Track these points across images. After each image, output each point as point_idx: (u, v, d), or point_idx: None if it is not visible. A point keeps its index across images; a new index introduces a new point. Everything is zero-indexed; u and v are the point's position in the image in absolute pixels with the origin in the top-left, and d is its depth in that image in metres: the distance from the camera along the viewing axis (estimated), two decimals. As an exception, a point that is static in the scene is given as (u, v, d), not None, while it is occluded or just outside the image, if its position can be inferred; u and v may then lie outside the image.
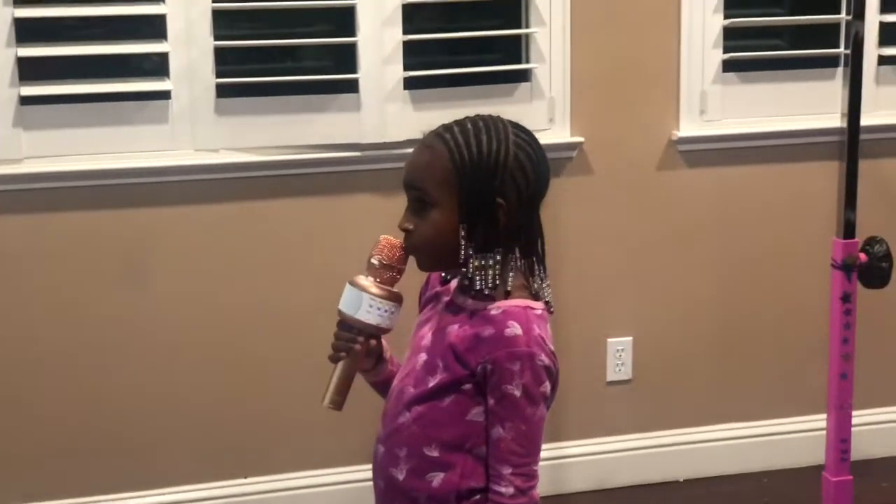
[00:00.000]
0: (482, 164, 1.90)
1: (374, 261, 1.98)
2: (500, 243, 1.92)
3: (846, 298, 3.03)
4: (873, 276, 3.05)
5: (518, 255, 1.96)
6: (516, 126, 1.96)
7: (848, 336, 3.05)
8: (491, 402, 1.90)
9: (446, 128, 1.95)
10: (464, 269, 1.93)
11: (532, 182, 1.93)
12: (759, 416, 3.81)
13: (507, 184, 1.91)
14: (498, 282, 1.92)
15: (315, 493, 3.50)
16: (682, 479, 3.77)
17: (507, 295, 1.92)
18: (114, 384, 3.35)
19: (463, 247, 1.91)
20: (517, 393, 1.88)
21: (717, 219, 3.69)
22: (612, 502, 3.66)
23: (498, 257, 1.92)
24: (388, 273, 1.97)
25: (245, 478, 3.48)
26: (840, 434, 3.09)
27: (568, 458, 3.66)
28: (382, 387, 2.09)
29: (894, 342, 3.86)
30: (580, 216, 3.58)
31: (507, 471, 1.90)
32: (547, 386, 1.90)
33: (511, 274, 1.93)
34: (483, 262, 1.92)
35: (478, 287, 1.92)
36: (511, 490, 1.90)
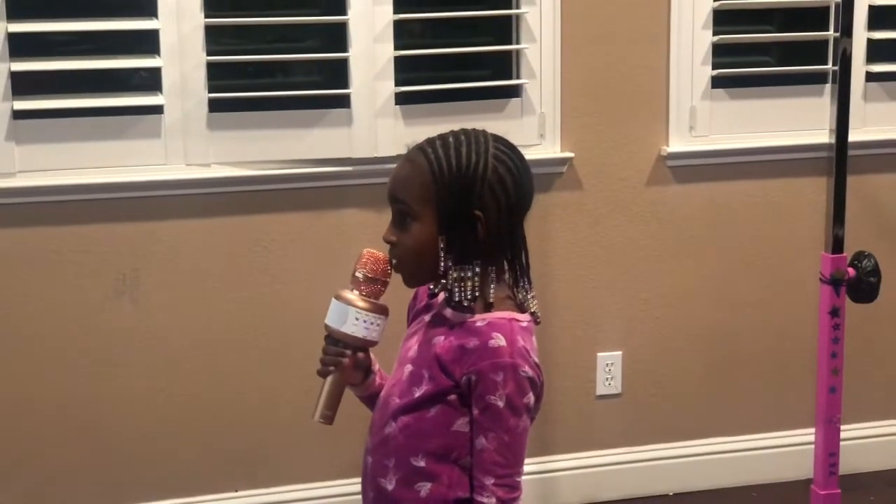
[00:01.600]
0: (460, 177, 1.92)
1: (358, 274, 2.00)
2: (480, 255, 1.94)
3: (835, 313, 3.05)
4: (862, 290, 3.06)
5: (505, 267, 1.98)
6: (498, 140, 1.98)
7: (836, 350, 3.07)
8: (475, 412, 1.91)
9: (429, 141, 1.97)
10: (443, 281, 1.95)
11: (512, 195, 1.94)
12: (748, 430, 3.83)
13: (485, 196, 1.92)
14: (478, 293, 1.94)
15: (305, 507, 3.52)
16: (671, 494, 3.78)
17: (489, 307, 1.94)
18: (105, 398, 3.35)
19: (442, 258, 1.93)
20: (500, 404, 1.89)
21: (705, 234, 3.70)
22: (602, 516, 3.67)
23: (477, 269, 1.94)
24: (373, 286, 1.99)
25: (235, 491, 3.49)
26: (828, 448, 3.10)
27: (557, 471, 3.67)
28: (371, 401, 2.10)
29: (882, 357, 3.88)
30: (570, 231, 3.60)
31: (489, 481, 1.91)
32: (530, 397, 1.91)
33: (492, 286, 1.95)
34: (462, 274, 1.94)
35: (457, 298, 1.94)
36: (493, 501, 1.90)
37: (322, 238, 3.43)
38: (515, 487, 1.92)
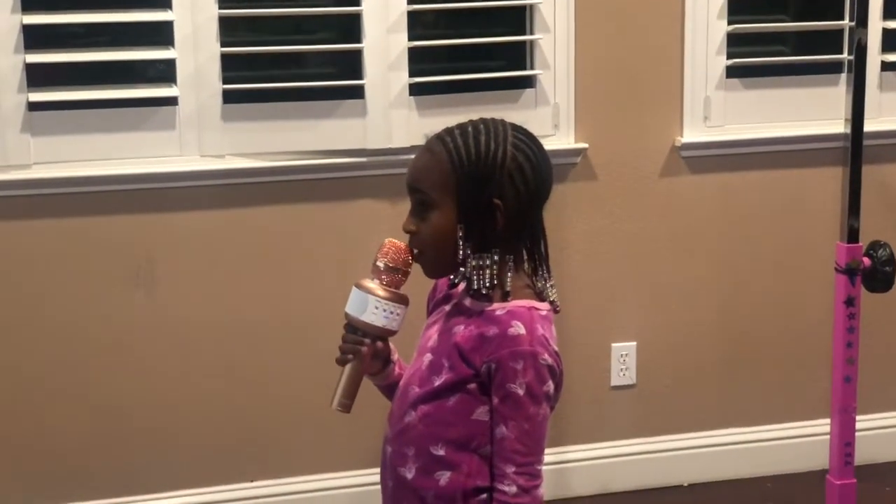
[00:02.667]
0: (479, 165, 1.92)
1: (379, 263, 2.00)
2: (498, 244, 1.94)
3: (850, 302, 3.04)
4: (877, 280, 3.05)
5: (524, 255, 1.98)
6: (517, 129, 1.98)
7: (852, 340, 3.06)
8: (495, 401, 1.92)
9: (448, 131, 1.97)
10: (461, 269, 1.95)
11: (531, 184, 1.95)
12: (764, 420, 3.83)
13: (504, 185, 1.93)
14: (496, 281, 1.94)
15: (321, 497, 3.52)
16: (686, 484, 3.78)
17: (507, 295, 1.94)
18: (121, 388, 3.37)
19: (461, 247, 1.93)
20: (520, 392, 1.89)
21: (720, 224, 3.70)
22: (617, 507, 3.68)
23: (496, 257, 1.94)
24: (394, 275, 1.99)
25: (251, 481, 3.49)
26: (844, 438, 3.09)
27: (572, 462, 3.67)
28: (390, 390, 2.10)
29: (897, 347, 3.88)
30: (584, 222, 3.60)
31: (510, 469, 1.91)
32: (550, 385, 1.92)
33: (509, 274, 1.95)
34: (480, 262, 1.94)
35: (475, 286, 1.94)
36: (514, 489, 1.91)
37: (336, 229, 3.43)
38: (536, 476, 1.92)
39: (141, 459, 3.40)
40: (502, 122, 1.98)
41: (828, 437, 3.17)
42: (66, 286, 3.30)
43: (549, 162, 2.00)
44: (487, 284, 1.94)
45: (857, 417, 3.13)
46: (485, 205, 1.92)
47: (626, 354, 3.71)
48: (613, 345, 3.70)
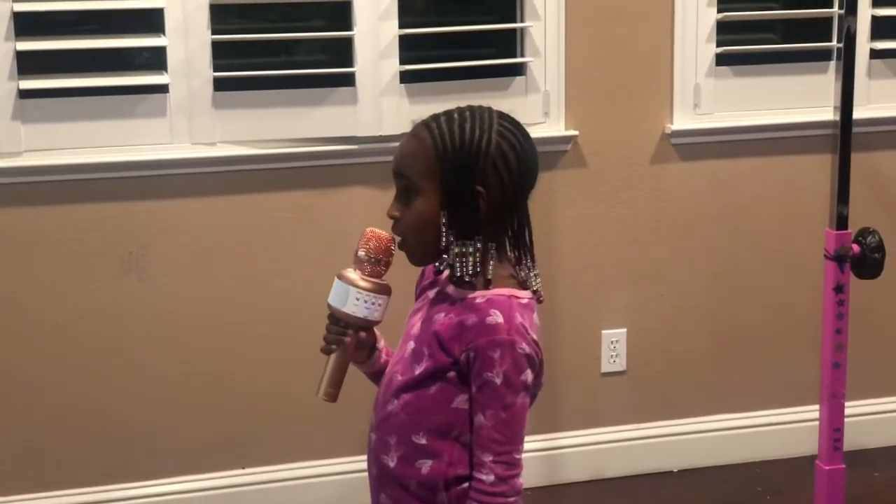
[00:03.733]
0: (463, 153, 1.93)
1: (360, 253, 2.00)
2: (481, 231, 1.94)
3: (839, 289, 3.05)
4: (866, 266, 3.06)
5: (507, 244, 1.98)
6: (503, 117, 1.98)
7: (841, 326, 3.07)
8: (473, 389, 1.92)
9: (434, 117, 1.98)
10: (444, 256, 1.96)
11: (515, 172, 1.95)
12: (753, 406, 3.84)
13: (488, 172, 1.93)
14: (479, 269, 1.94)
15: (312, 484, 3.53)
16: (675, 470, 3.80)
17: (489, 283, 1.95)
18: (111, 376, 3.37)
19: (444, 234, 1.94)
20: (497, 381, 1.89)
21: (710, 211, 3.71)
22: (606, 493, 3.68)
23: (478, 245, 1.94)
24: (376, 265, 1.99)
25: (242, 468, 3.51)
26: (833, 423, 3.10)
27: (562, 448, 3.68)
28: (378, 377, 2.11)
29: (887, 334, 3.89)
30: (574, 209, 3.61)
31: (487, 458, 1.91)
32: (528, 374, 1.92)
33: (491, 262, 1.95)
34: (463, 250, 1.94)
35: (458, 273, 1.95)
36: (492, 478, 1.91)
37: (327, 216, 3.44)
38: (514, 465, 1.92)
39: (131, 447, 3.41)
40: (489, 109, 1.98)
41: (817, 422, 3.18)
42: (57, 274, 3.30)
43: (535, 150, 2.00)
44: (470, 272, 1.94)
45: (846, 403, 3.14)
46: (468, 192, 1.93)
47: (617, 341, 3.72)
48: (603, 332, 3.71)
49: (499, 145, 1.94)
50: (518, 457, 1.93)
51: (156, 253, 3.36)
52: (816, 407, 3.20)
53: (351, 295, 1.98)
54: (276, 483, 3.51)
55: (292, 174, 3.41)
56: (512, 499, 1.92)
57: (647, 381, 3.76)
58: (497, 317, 1.90)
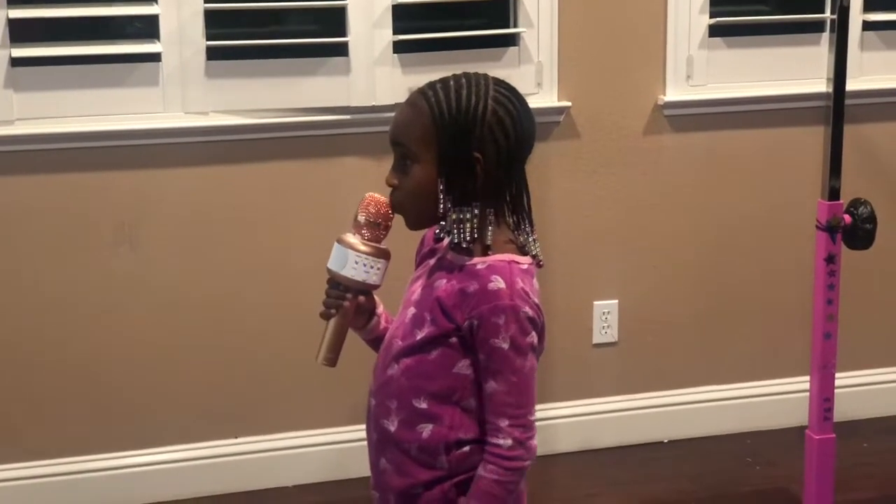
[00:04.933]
0: (459, 119, 1.93)
1: (360, 218, 2.01)
2: (479, 198, 1.95)
3: (830, 259, 3.07)
4: (857, 237, 3.08)
5: (506, 210, 1.98)
6: (500, 83, 1.98)
7: (832, 297, 3.09)
8: (481, 357, 1.93)
9: (430, 85, 1.98)
10: (442, 223, 1.96)
11: (512, 138, 1.95)
12: (744, 377, 3.86)
13: (485, 138, 1.93)
14: (476, 235, 1.95)
15: (305, 453, 3.54)
16: (666, 441, 3.82)
17: (487, 249, 1.95)
18: (104, 345, 3.37)
19: (441, 200, 1.94)
20: (504, 346, 1.91)
21: (702, 183, 3.72)
22: (598, 463, 3.70)
23: (475, 211, 1.95)
24: (375, 230, 2.00)
25: (235, 437, 3.51)
26: (823, 393, 3.13)
27: (554, 419, 3.69)
28: (377, 343, 2.11)
29: (878, 304, 3.91)
30: (567, 180, 3.61)
31: (503, 423, 1.92)
32: (534, 336, 1.93)
33: (490, 228, 1.96)
34: (460, 216, 1.94)
35: (456, 240, 1.95)
36: (509, 441, 1.92)
37: (320, 186, 3.44)
38: (530, 427, 1.93)
39: (125, 416, 3.42)
40: (485, 76, 1.98)
41: (807, 393, 3.21)
42: (49, 242, 3.30)
43: (531, 116, 2.00)
44: (468, 238, 1.95)
45: (837, 375, 3.16)
46: (465, 158, 1.93)
47: (608, 312, 3.73)
48: (595, 303, 3.72)
49: (495, 111, 1.94)
50: (532, 419, 1.94)
51: (148, 223, 3.35)
52: (807, 378, 3.22)
53: (350, 258, 1.98)
54: (270, 452, 3.52)
55: (285, 144, 3.41)
56: (528, 462, 1.94)
57: (639, 353, 3.77)
58: (499, 282, 1.91)
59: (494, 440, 1.93)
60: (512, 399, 1.92)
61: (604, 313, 3.73)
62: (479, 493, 1.94)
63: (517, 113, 1.96)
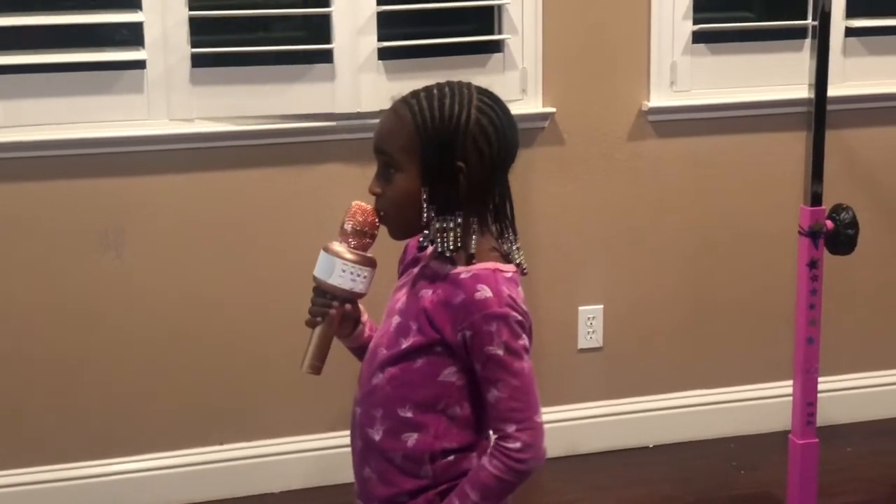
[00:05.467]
0: (442, 128, 1.93)
1: (346, 226, 2.01)
2: (462, 206, 1.95)
3: (813, 265, 3.08)
4: (840, 242, 3.09)
5: (489, 218, 1.99)
6: (483, 92, 1.98)
7: (814, 302, 3.10)
8: (478, 367, 1.93)
9: (413, 93, 1.98)
10: (426, 232, 1.97)
11: (495, 147, 1.95)
12: (728, 382, 3.87)
13: (468, 148, 1.93)
14: (460, 244, 1.95)
15: (291, 460, 3.54)
16: (651, 445, 3.83)
17: (471, 258, 1.96)
18: (89, 352, 3.37)
19: (425, 209, 1.95)
20: (500, 352, 1.91)
21: (686, 188, 3.73)
22: (583, 468, 3.71)
23: (459, 220, 1.95)
24: (361, 238, 2.00)
25: (221, 444, 3.51)
26: (806, 397, 3.14)
27: (540, 424, 3.70)
28: (361, 352, 2.12)
29: (860, 310, 3.92)
30: (552, 185, 3.62)
31: (511, 429, 1.93)
32: (525, 339, 1.94)
33: (473, 237, 1.96)
34: (444, 225, 1.95)
35: (439, 249, 1.96)
36: (518, 444, 1.92)
37: (305, 193, 3.44)
38: (537, 429, 1.94)
39: (109, 424, 3.41)
40: (468, 84, 1.99)
41: (790, 398, 3.22)
42: (34, 250, 3.30)
43: (515, 125, 2.00)
44: (451, 247, 1.95)
45: (820, 379, 3.17)
46: (448, 167, 1.93)
47: (593, 317, 3.74)
48: (580, 308, 3.73)
49: (478, 120, 1.94)
50: (539, 420, 1.95)
51: (134, 230, 3.35)
52: (790, 382, 3.23)
53: (337, 267, 1.99)
54: (255, 459, 3.52)
55: (270, 151, 3.41)
56: (534, 466, 1.94)
57: (624, 358, 3.78)
58: (485, 291, 1.92)
59: (504, 444, 1.93)
60: (516, 403, 1.93)
61: (589, 318, 3.74)
62: (478, 483, 1.94)
63: (500, 122, 1.96)
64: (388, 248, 2.08)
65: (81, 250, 3.32)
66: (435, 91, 1.97)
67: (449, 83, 1.99)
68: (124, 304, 3.37)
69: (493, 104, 1.97)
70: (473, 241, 1.96)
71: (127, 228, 3.35)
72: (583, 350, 3.75)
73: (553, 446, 3.64)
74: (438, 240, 1.95)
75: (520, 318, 1.93)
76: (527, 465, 1.93)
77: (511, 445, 1.92)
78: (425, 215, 1.95)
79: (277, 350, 3.40)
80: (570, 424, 3.75)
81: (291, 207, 3.44)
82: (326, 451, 3.51)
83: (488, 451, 1.95)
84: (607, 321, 3.74)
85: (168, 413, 3.45)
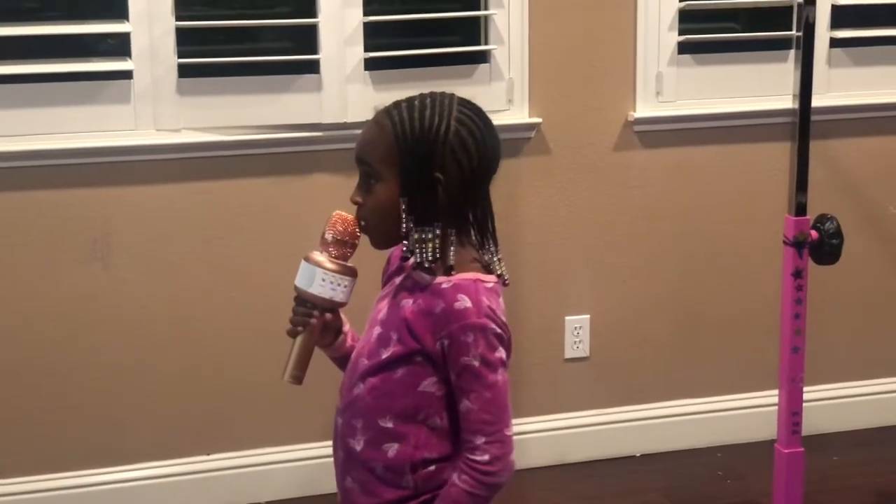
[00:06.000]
0: (421, 139, 1.93)
1: (327, 236, 2.02)
2: (441, 218, 1.95)
3: (798, 274, 3.09)
4: (824, 252, 3.10)
5: (471, 230, 1.99)
6: (464, 103, 1.98)
7: (800, 311, 3.11)
8: (453, 377, 1.94)
9: (395, 104, 1.99)
10: (405, 243, 1.97)
11: (475, 159, 1.95)
12: (714, 391, 3.88)
13: (446, 159, 1.94)
14: (438, 255, 1.95)
15: (276, 469, 3.54)
16: (638, 455, 3.83)
17: (450, 269, 1.96)
18: (76, 362, 3.37)
19: (404, 220, 1.95)
20: (475, 363, 1.92)
21: (672, 198, 3.74)
22: (570, 477, 3.71)
23: (437, 231, 1.95)
24: (342, 247, 2.01)
25: (207, 454, 3.51)
26: (792, 407, 3.14)
27: (526, 433, 3.70)
28: (343, 362, 2.12)
29: (845, 319, 3.93)
30: (538, 196, 3.63)
31: (480, 440, 1.93)
32: (502, 351, 1.94)
33: (452, 248, 1.96)
34: (422, 236, 1.95)
35: (418, 260, 1.96)
36: (487, 457, 1.93)
37: (292, 203, 3.44)
38: (507, 442, 1.94)
39: (95, 434, 3.41)
40: (450, 96, 1.99)
41: (776, 407, 3.22)
42: (21, 260, 3.30)
43: (496, 137, 2.00)
44: (430, 258, 1.95)
45: (805, 388, 3.18)
46: (426, 178, 1.93)
47: (580, 327, 3.75)
48: (567, 318, 3.73)
49: (457, 132, 1.94)
50: (509, 433, 1.95)
51: (120, 240, 3.35)
52: (776, 392, 3.23)
53: (318, 276, 1.99)
54: (242, 469, 3.52)
55: (257, 161, 3.42)
56: (504, 479, 1.95)
57: (610, 367, 3.79)
58: (465, 301, 1.92)
59: (472, 456, 1.94)
60: (487, 416, 1.93)
61: (575, 328, 3.74)
62: (449, 499, 1.94)
63: (480, 133, 1.96)
64: (370, 257, 2.09)
65: (68, 260, 3.32)
66: (416, 102, 1.97)
67: (431, 94, 1.99)
68: (111, 313, 3.37)
69: (473, 116, 1.97)
70: (452, 252, 1.96)
71: (114, 238, 3.35)
72: (569, 360, 3.76)
73: (540, 456, 3.72)
74: (417, 250, 1.96)
75: (498, 330, 1.94)
76: (496, 478, 1.94)
77: (479, 458, 1.93)
78: (404, 226, 1.95)
79: (264, 360, 3.38)
80: (557, 434, 3.76)
81: (278, 217, 3.44)
82: (313, 461, 3.51)
83: (458, 467, 1.95)
84: (594, 331, 3.75)
85: (154, 423, 3.45)
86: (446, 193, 1.94)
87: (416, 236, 1.96)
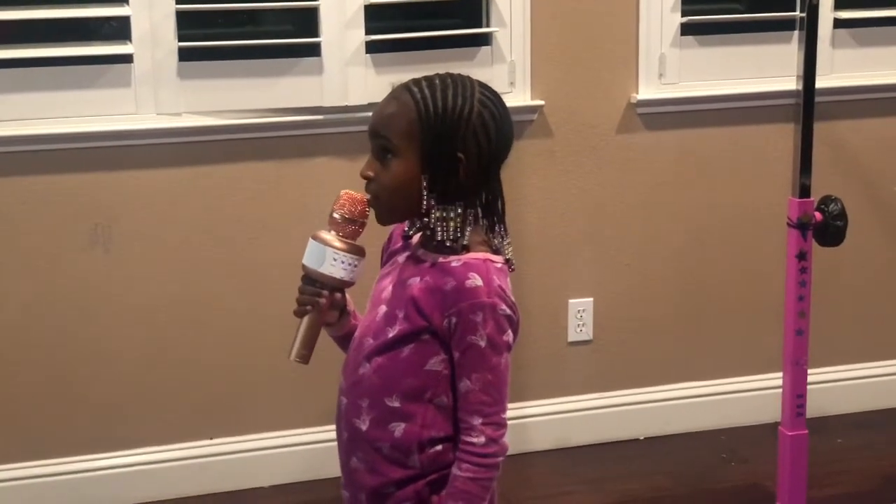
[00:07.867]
0: (446, 118, 1.93)
1: (335, 215, 2.00)
2: (460, 198, 1.96)
3: (802, 256, 3.08)
4: (828, 234, 3.09)
5: (480, 212, 1.99)
6: (484, 87, 1.99)
7: (803, 293, 3.10)
8: (457, 355, 1.93)
9: (415, 81, 1.98)
10: (425, 220, 1.97)
11: (493, 141, 1.96)
12: (718, 374, 3.88)
13: (468, 140, 1.94)
14: (460, 234, 1.95)
15: (280, 454, 3.54)
16: (642, 438, 3.83)
17: (464, 248, 1.96)
18: (79, 347, 3.37)
19: (425, 197, 1.94)
20: (482, 343, 1.91)
21: (675, 180, 3.73)
22: (573, 461, 3.71)
23: (459, 210, 1.96)
24: (350, 227, 1.99)
25: (211, 439, 3.51)
26: (796, 389, 3.14)
27: (529, 417, 3.70)
28: (345, 341, 2.11)
29: (849, 301, 3.93)
30: (540, 178, 3.62)
31: (477, 421, 1.93)
32: (510, 335, 1.94)
33: (469, 228, 1.96)
34: (445, 214, 1.95)
35: (439, 237, 1.96)
36: (482, 439, 1.93)
37: (293, 186, 3.44)
38: (502, 425, 1.95)
39: (99, 419, 3.41)
40: (469, 78, 1.99)
41: (780, 390, 3.22)
42: (22, 245, 3.29)
43: (511, 121, 2.01)
44: (451, 236, 1.95)
45: (809, 371, 3.17)
46: (448, 158, 1.93)
47: (583, 310, 3.74)
48: (570, 301, 3.73)
49: (480, 114, 1.95)
50: (504, 416, 1.95)
51: (122, 224, 3.34)
52: (780, 374, 3.23)
53: (328, 255, 1.98)
54: (245, 453, 3.52)
55: (258, 145, 3.41)
56: (500, 458, 1.95)
57: (614, 350, 3.78)
58: (476, 280, 1.92)
59: (468, 438, 1.94)
60: (487, 397, 1.93)
61: (579, 311, 3.74)
62: (457, 492, 1.94)
63: (500, 117, 1.98)
64: (372, 236, 2.07)
65: (69, 245, 3.32)
66: (437, 81, 1.97)
67: (450, 74, 1.99)
68: (113, 298, 3.36)
69: (494, 99, 1.99)
70: (469, 232, 1.97)
71: (115, 223, 3.34)
72: (573, 343, 3.75)
73: (543, 439, 3.72)
74: (439, 229, 1.95)
75: (508, 311, 1.93)
76: (494, 459, 1.94)
77: (475, 440, 1.93)
78: (425, 203, 1.95)
79: (268, 344, 3.40)
80: (561, 417, 3.76)
81: (279, 201, 3.44)
82: (317, 445, 3.50)
83: (457, 455, 1.95)
84: (597, 314, 3.75)
85: (158, 408, 3.45)
86: (465, 174, 1.94)
87: (438, 214, 1.95)
